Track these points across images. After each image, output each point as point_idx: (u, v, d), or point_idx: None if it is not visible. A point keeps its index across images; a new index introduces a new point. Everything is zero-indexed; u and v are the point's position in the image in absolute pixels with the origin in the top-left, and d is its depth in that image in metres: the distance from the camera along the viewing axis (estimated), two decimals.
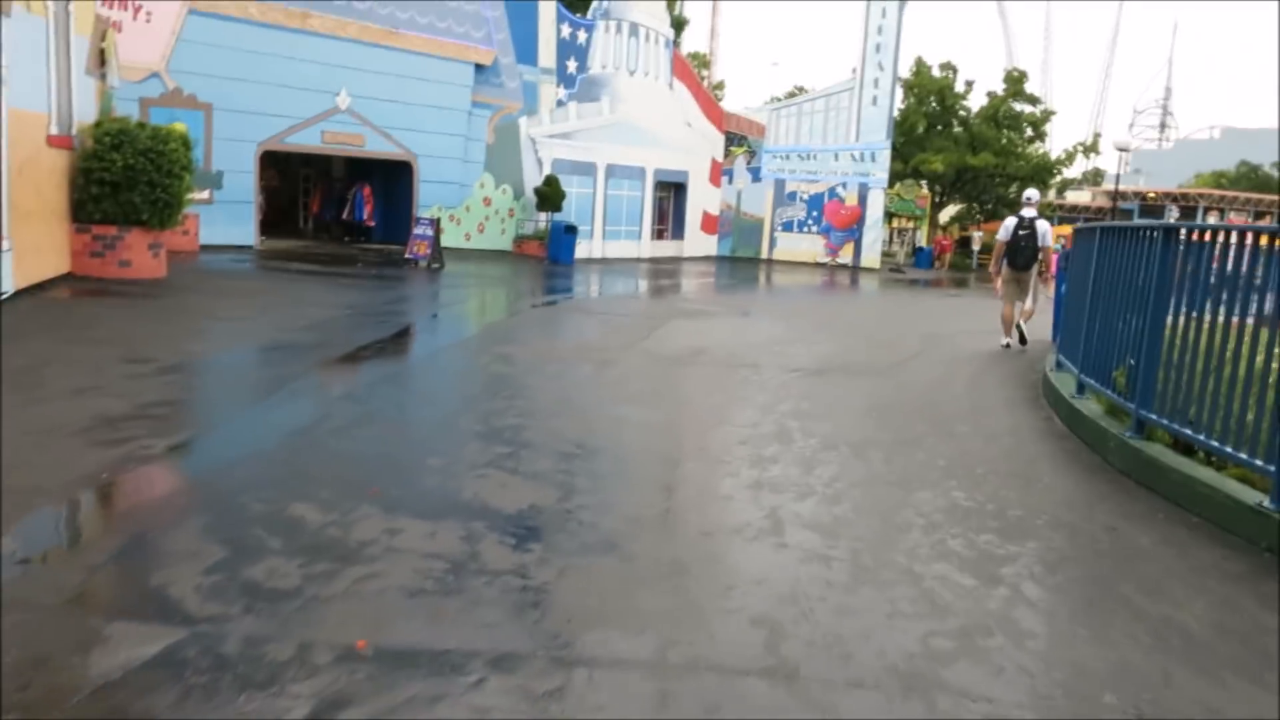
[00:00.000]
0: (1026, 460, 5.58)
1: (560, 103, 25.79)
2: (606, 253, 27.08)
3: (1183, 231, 5.02)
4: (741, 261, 31.06)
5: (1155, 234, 5.16)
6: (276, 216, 23.90)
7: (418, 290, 14.85)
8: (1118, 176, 37.60)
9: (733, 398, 7.34)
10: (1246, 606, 3.47)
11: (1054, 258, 14.90)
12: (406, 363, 8.39)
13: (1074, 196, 57.38)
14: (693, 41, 47.67)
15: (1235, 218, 54.82)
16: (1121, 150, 36.06)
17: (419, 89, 22.21)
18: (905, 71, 37.19)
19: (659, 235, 30.04)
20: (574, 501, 4.39)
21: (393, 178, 23.37)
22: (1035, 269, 11.37)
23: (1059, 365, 7.79)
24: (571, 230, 23.47)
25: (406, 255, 18.79)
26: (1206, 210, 56.91)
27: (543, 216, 24.63)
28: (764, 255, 32.88)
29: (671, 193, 30.47)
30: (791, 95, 40.44)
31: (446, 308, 13.41)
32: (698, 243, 31.41)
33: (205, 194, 18.14)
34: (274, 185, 24.49)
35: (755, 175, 33.01)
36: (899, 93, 34.42)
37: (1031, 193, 12.03)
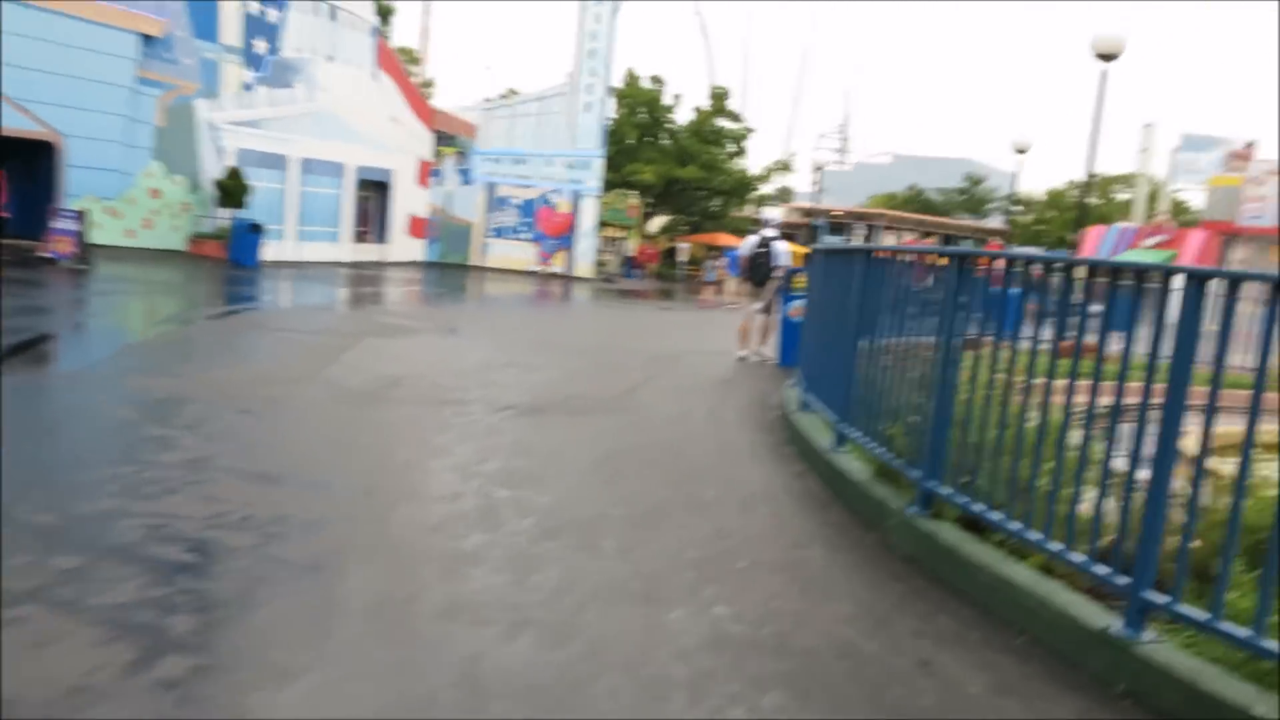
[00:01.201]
0: (792, 543, 4.50)
1: (247, 86, 23.01)
2: (301, 255, 24.44)
3: (980, 261, 4.11)
4: (451, 268, 29.31)
5: (949, 262, 4.19)
6: None
7: (49, 299, 12.10)
8: (818, 193, 39.45)
9: (429, 452, 5.84)
10: None
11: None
12: None
13: (769, 212, 60.38)
14: (402, 38, 44.95)
15: (909, 236, 59.96)
16: (819, 168, 37.76)
17: (67, 57, 18.77)
18: (618, 80, 37.01)
19: (361, 238, 27.71)
20: (155, 672, 2.76)
21: (34, 161, 19.63)
22: (774, 285, 11.40)
23: (805, 405, 6.89)
24: (256, 229, 20.81)
25: (44, 254, 15.67)
26: (885, 228, 61.74)
27: (225, 213, 21.76)
28: (475, 262, 31.37)
29: (375, 192, 28.21)
30: (505, 97, 39.15)
31: (83, 322, 10.91)
32: (404, 247, 29.34)
33: None
34: None
35: (466, 177, 31.40)
36: (611, 102, 34.07)
37: (770, 214, 12.58)
